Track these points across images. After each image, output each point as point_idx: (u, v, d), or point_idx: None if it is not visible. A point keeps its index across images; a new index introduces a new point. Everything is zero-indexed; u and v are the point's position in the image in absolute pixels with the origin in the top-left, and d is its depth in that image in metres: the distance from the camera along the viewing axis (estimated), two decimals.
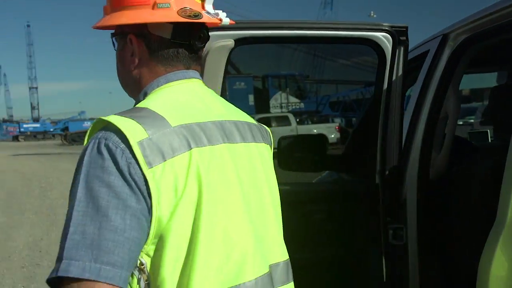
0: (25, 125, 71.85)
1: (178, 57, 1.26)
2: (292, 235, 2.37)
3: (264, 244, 1.22)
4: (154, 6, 1.22)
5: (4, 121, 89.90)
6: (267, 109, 26.32)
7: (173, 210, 1.06)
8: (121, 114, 1.11)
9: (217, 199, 1.12)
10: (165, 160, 1.05)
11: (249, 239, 1.17)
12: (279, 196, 1.36)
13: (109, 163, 1.03)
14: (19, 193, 13.32)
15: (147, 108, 1.14)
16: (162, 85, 1.25)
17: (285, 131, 20.01)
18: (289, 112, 25.88)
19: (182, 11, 1.23)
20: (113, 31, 1.34)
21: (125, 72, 1.32)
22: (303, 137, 4.16)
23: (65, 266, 0.98)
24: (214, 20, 1.29)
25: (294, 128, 21.38)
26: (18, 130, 69.34)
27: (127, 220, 1.01)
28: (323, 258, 2.44)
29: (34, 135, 66.07)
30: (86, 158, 1.05)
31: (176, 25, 1.24)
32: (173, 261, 1.07)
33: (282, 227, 1.36)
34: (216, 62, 2.06)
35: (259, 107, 24.71)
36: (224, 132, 1.21)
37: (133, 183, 1.03)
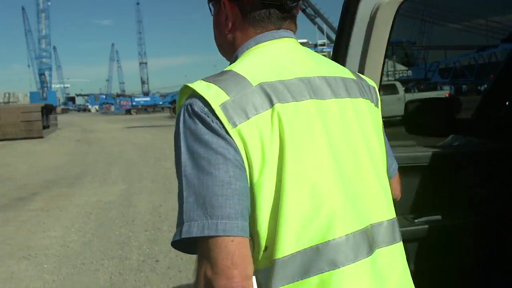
0: (136, 99, 76.29)
1: (270, 18, 1.25)
2: (441, 200, 2.30)
3: (360, 202, 1.18)
4: None
5: (118, 95, 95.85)
6: None
7: (262, 167, 1.07)
8: (206, 79, 1.14)
9: (302, 155, 1.10)
10: (248, 118, 1.07)
11: (340, 195, 1.13)
12: (382, 152, 1.31)
13: (200, 125, 1.07)
14: (136, 163, 14.17)
15: (231, 70, 1.16)
16: (251, 47, 1.25)
17: (392, 99, 19.45)
18: (396, 80, 25.10)
19: None
20: None
21: (221, 37, 1.33)
22: (431, 101, 3.95)
23: (187, 228, 1.03)
24: None
25: (401, 97, 20.69)
26: (130, 104, 73.75)
27: (230, 172, 1.05)
28: (468, 223, 2.33)
29: (144, 108, 69.80)
30: (181, 125, 1.09)
31: None
32: (265, 217, 1.08)
33: (388, 185, 1.30)
34: (385, 18, 1.92)
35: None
36: (312, 88, 1.19)
37: (227, 137, 1.06)
